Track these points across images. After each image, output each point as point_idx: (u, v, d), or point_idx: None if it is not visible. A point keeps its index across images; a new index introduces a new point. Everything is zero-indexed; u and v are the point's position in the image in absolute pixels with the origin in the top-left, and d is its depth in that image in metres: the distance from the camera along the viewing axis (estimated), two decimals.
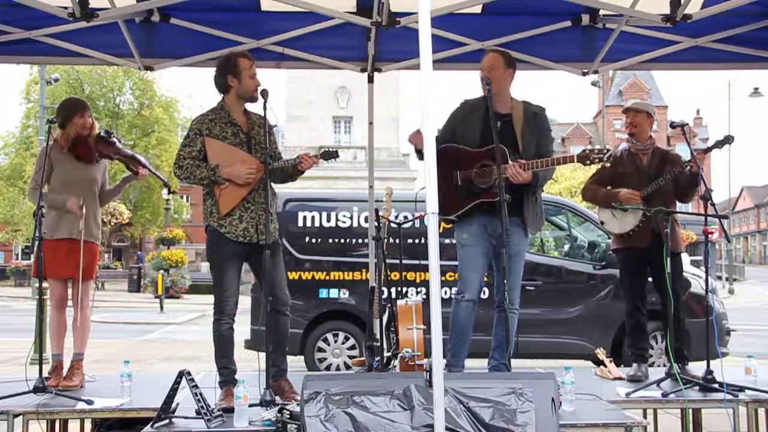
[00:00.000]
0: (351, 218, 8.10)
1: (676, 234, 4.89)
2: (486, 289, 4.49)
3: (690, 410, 4.49)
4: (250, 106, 4.11)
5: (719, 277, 31.86)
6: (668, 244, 4.41)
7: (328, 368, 7.79)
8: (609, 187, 5.07)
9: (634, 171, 4.98)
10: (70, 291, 4.62)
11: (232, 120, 4.10)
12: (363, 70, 5.80)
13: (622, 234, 5.00)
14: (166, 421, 3.49)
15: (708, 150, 4.92)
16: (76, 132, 4.56)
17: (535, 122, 4.36)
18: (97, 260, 4.68)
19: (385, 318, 4.72)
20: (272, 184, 4.17)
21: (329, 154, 4.09)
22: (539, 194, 4.41)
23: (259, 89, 4.02)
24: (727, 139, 4.73)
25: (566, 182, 37.81)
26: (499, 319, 4.39)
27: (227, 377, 3.94)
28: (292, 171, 4.18)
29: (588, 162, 4.06)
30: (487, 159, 4.20)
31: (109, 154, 4.64)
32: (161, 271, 22.63)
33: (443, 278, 7.60)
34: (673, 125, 4.88)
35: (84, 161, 4.59)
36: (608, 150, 4.08)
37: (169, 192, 4.96)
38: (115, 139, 4.66)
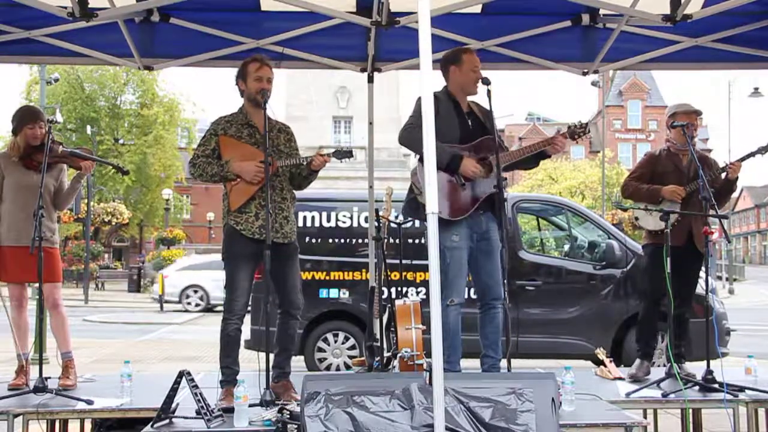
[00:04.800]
0: (351, 218, 8.09)
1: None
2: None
3: (690, 410, 4.49)
4: (268, 110, 4.11)
5: (719, 277, 31.84)
6: (668, 244, 4.42)
7: (328, 368, 7.79)
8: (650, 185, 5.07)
9: (673, 170, 5.00)
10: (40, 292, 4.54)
11: (249, 122, 4.15)
12: (363, 70, 5.80)
13: (655, 231, 4.98)
14: (166, 421, 3.49)
15: (748, 157, 4.91)
16: (26, 142, 4.55)
17: (492, 120, 4.46)
18: (58, 262, 4.65)
19: (385, 318, 4.72)
20: (291, 188, 4.22)
21: (342, 153, 4.10)
22: None
23: (264, 90, 4.04)
24: None
25: (566, 182, 37.81)
26: (487, 317, 4.35)
27: (229, 377, 3.95)
28: (307, 172, 4.19)
29: (576, 137, 4.38)
30: (481, 152, 4.26)
31: (50, 162, 4.49)
32: (161, 271, 22.63)
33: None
34: (673, 125, 4.89)
35: (33, 170, 4.55)
36: (586, 124, 4.40)
37: (123, 174, 5.06)
38: (53, 144, 4.52)
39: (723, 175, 4.96)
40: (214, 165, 4.06)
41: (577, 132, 4.36)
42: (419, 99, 4.27)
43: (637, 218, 5.17)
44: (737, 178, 4.88)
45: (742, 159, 4.94)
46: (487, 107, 4.41)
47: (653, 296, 5.02)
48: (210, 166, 4.06)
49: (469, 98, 4.49)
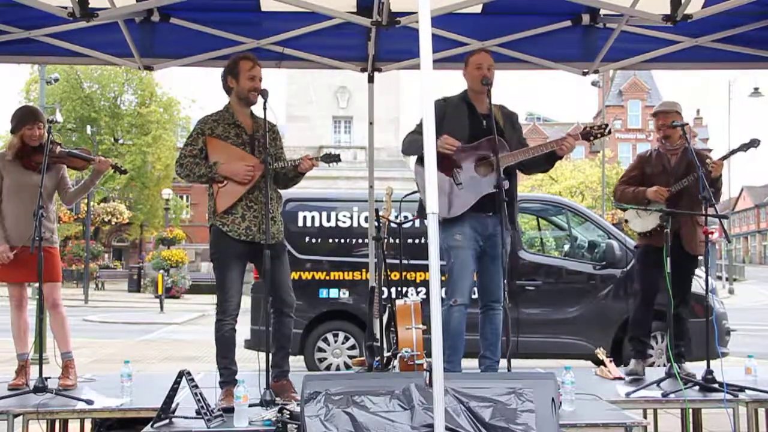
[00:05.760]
0: (351, 218, 8.10)
1: (696, 236, 4.89)
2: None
3: (690, 410, 4.49)
4: (257, 110, 4.09)
5: (719, 277, 31.85)
6: (668, 244, 4.42)
7: (328, 368, 7.79)
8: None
9: (661, 171, 5.00)
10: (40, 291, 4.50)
11: (236, 121, 4.12)
12: (363, 70, 5.80)
13: (644, 232, 4.99)
14: (166, 421, 3.49)
15: (732, 153, 4.91)
16: (24, 143, 4.55)
17: (513, 122, 4.48)
18: (58, 262, 4.64)
19: (385, 318, 4.72)
20: (275, 187, 4.20)
21: (330, 158, 4.10)
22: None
23: (257, 90, 4.04)
24: (753, 143, 4.72)
25: (566, 182, 37.80)
26: (486, 318, 4.36)
27: (227, 377, 3.95)
28: (293, 174, 4.19)
29: (591, 138, 4.30)
30: (482, 152, 4.25)
31: (49, 162, 4.47)
32: (161, 271, 22.62)
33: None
34: (673, 125, 4.89)
35: (32, 170, 4.55)
36: (607, 125, 4.31)
37: (121, 173, 5.16)
38: (51, 145, 4.51)
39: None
40: (201, 166, 4.03)
41: (593, 133, 4.30)
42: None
43: (626, 221, 5.15)
44: (720, 176, 4.85)
45: (725, 157, 4.94)
46: (514, 111, 4.46)
47: (644, 295, 5.03)
48: (198, 167, 4.03)
49: (496, 102, 4.47)
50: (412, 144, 4.29)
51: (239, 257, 4.06)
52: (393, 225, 5.10)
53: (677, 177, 4.91)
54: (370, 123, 5.97)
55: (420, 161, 4.20)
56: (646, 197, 4.90)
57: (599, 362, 5.20)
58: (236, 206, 4.02)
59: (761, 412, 4.34)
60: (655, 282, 5.00)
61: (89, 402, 3.93)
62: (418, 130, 4.19)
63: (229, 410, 3.56)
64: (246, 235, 4.00)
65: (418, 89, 2.83)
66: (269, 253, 3.84)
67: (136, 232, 40.38)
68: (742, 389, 4.18)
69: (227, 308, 3.99)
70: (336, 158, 4.09)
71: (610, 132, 4.30)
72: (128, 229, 39.64)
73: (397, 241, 6.07)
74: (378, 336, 4.71)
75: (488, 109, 4.26)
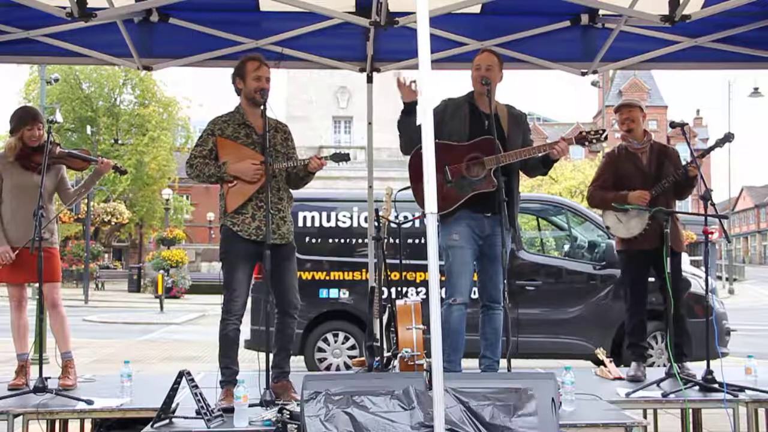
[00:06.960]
0: (351, 218, 8.10)
1: (678, 233, 4.88)
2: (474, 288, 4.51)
3: (690, 410, 4.49)
4: (268, 110, 4.10)
5: (719, 277, 31.85)
6: (668, 244, 4.41)
7: (328, 368, 7.78)
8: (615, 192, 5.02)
9: (635, 171, 4.95)
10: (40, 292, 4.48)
11: (246, 122, 4.14)
12: (362, 70, 5.80)
13: (628, 238, 4.96)
14: (166, 421, 3.49)
15: (709, 151, 4.90)
16: (24, 143, 4.55)
17: (519, 123, 4.48)
18: (57, 262, 4.64)
19: (385, 318, 4.72)
20: (287, 188, 4.22)
21: (340, 157, 4.12)
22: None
23: (262, 90, 4.04)
24: (728, 137, 4.71)
25: (566, 182, 37.79)
26: (486, 319, 4.38)
27: (228, 377, 3.95)
28: (304, 173, 4.20)
29: (586, 143, 4.30)
30: (475, 152, 4.25)
31: (48, 163, 4.47)
32: (161, 271, 22.62)
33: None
34: (673, 125, 4.87)
35: (32, 171, 4.55)
36: (604, 130, 4.30)
37: (121, 174, 5.17)
38: (51, 146, 4.51)
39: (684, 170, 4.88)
40: (211, 166, 4.06)
41: (589, 138, 4.28)
42: (435, 111, 4.37)
43: (608, 227, 5.09)
44: (696, 176, 4.82)
45: (702, 155, 4.91)
46: (522, 112, 4.46)
47: (635, 300, 5.00)
48: (207, 167, 4.06)
49: (503, 102, 4.47)
50: (401, 126, 4.33)
51: (248, 257, 4.07)
52: (393, 225, 5.10)
53: (651, 177, 4.88)
54: (370, 123, 5.97)
55: (413, 155, 4.25)
56: (628, 202, 4.83)
57: (599, 362, 5.20)
58: (246, 206, 4.04)
59: (761, 412, 4.34)
60: (644, 285, 4.99)
61: (89, 402, 3.93)
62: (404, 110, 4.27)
63: (229, 410, 3.56)
64: (256, 234, 4.01)
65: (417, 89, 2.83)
66: (269, 253, 3.84)
67: (134, 232, 40.29)
68: (742, 389, 4.18)
69: (232, 308, 4.00)
70: (345, 157, 4.11)
71: (606, 138, 4.26)
72: (127, 230, 39.51)
73: (397, 241, 6.07)
74: (378, 336, 4.71)
75: (494, 109, 4.26)
